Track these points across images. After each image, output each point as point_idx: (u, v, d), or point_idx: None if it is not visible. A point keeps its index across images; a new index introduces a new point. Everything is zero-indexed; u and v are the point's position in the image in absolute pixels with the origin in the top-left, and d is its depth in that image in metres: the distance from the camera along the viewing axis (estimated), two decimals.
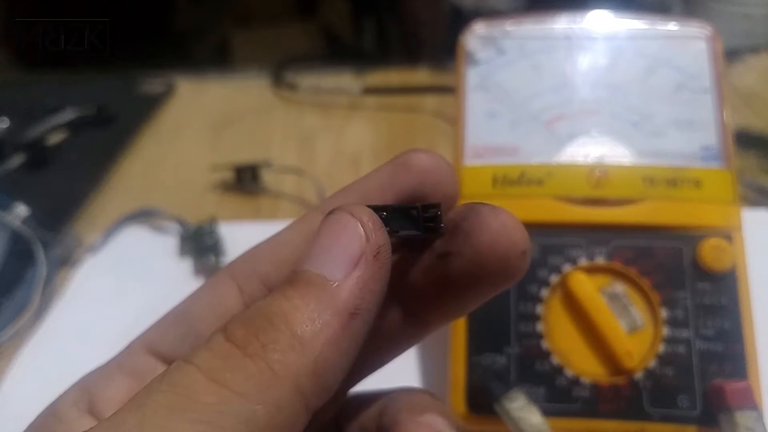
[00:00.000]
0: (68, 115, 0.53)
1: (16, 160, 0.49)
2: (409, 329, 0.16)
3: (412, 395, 0.18)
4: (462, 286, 0.15)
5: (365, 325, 0.13)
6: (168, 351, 0.17)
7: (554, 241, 0.28)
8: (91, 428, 0.11)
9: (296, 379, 0.12)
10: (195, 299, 0.17)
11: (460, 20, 0.34)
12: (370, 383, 0.18)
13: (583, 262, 0.27)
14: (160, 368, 0.16)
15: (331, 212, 0.14)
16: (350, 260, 0.13)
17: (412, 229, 0.15)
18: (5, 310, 0.36)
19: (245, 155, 0.48)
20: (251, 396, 0.11)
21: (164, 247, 0.41)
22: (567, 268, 0.27)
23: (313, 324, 0.12)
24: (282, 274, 0.16)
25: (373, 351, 0.17)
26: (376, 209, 0.14)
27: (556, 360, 0.26)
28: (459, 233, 0.14)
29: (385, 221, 0.14)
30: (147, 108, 0.57)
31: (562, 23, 0.32)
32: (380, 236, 0.14)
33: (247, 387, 0.12)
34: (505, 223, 0.14)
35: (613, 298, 0.27)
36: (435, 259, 0.15)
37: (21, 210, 0.39)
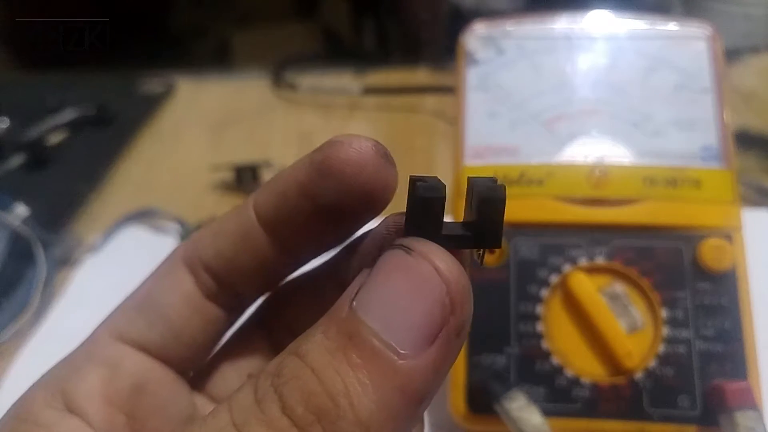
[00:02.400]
0: (68, 115, 0.53)
1: (16, 160, 0.49)
2: (284, 260, 0.16)
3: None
4: (328, 221, 0.14)
5: (428, 404, 0.12)
6: (139, 337, 0.16)
7: (554, 241, 0.28)
8: None
9: None
10: (155, 284, 0.17)
11: (460, 20, 0.34)
12: None
13: (583, 262, 0.27)
14: (134, 355, 0.16)
15: (404, 247, 0.12)
16: (428, 334, 0.11)
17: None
18: (5, 310, 0.36)
19: (245, 155, 0.48)
20: None
21: (164, 247, 0.40)
22: (567, 268, 0.27)
23: (380, 410, 0.11)
24: (221, 264, 0.16)
25: (256, 279, 0.17)
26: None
27: (556, 360, 0.26)
28: (315, 173, 0.14)
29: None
30: (147, 108, 0.57)
31: (562, 23, 0.32)
32: (468, 308, 0.12)
33: None
34: (358, 149, 0.13)
35: (613, 298, 0.27)
36: (301, 199, 0.15)
37: (21, 210, 0.39)
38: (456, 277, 0.12)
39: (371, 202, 0.14)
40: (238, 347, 0.18)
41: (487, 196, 0.12)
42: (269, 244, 0.16)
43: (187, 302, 0.16)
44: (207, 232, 0.17)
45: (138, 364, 0.16)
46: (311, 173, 0.14)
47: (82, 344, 0.17)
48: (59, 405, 0.15)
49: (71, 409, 0.15)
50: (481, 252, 0.13)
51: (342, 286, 0.15)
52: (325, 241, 0.16)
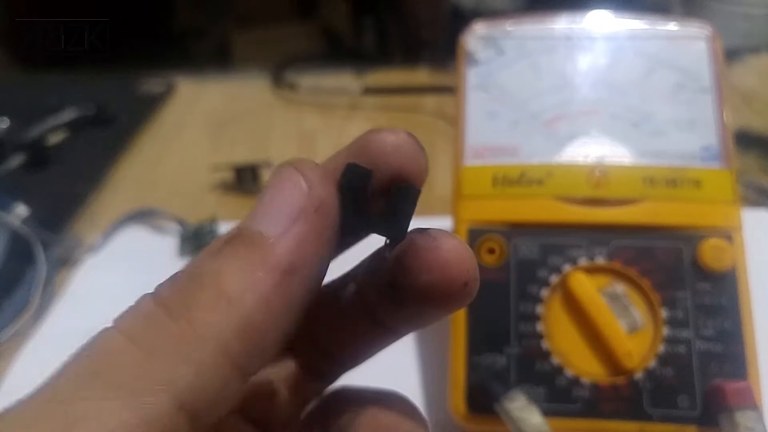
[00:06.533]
0: (68, 115, 0.53)
1: (16, 160, 0.49)
2: (378, 332, 0.16)
3: (387, 412, 0.17)
4: (411, 311, 0.15)
5: (303, 284, 0.12)
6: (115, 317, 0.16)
7: (554, 241, 0.28)
8: (9, 406, 0.11)
9: (221, 339, 0.11)
10: None
11: (460, 20, 0.34)
12: (372, 380, 0.18)
13: (583, 262, 0.27)
14: None
15: (277, 167, 0.13)
16: (289, 215, 0.12)
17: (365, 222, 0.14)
18: (5, 310, 0.36)
19: (245, 155, 0.48)
20: (172, 357, 0.11)
21: (164, 247, 0.41)
22: (567, 268, 0.27)
23: (242, 281, 0.12)
24: None
25: (353, 347, 0.17)
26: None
27: (556, 360, 0.26)
28: (400, 268, 0.14)
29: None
30: (147, 108, 0.57)
31: (562, 23, 0.32)
32: (323, 190, 0.13)
33: (167, 348, 0.11)
34: (443, 258, 0.13)
35: (613, 298, 0.27)
36: (384, 286, 0.15)
37: (21, 210, 0.39)
38: (311, 168, 0.13)
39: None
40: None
41: (406, 187, 0.14)
42: None
43: None
44: None
45: None
46: (354, 158, 0.15)
47: None
48: None
49: None
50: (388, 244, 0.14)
51: (362, 303, 0.16)
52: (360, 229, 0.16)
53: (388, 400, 0.17)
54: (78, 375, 0.11)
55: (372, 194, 0.14)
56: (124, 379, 0.10)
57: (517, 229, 0.28)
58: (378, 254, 0.16)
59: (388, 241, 0.14)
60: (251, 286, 0.12)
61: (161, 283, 0.12)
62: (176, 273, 0.12)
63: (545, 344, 0.26)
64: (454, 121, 0.31)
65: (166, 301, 0.12)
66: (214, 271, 0.12)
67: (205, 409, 0.11)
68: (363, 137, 0.15)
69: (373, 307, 0.16)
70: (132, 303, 0.12)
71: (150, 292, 0.12)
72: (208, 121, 0.57)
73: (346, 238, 0.15)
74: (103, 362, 0.11)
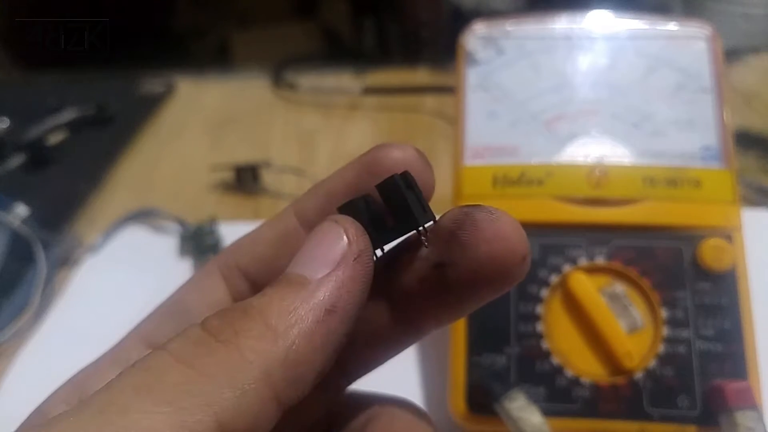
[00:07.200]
0: (68, 115, 0.53)
1: (16, 160, 0.49)
2: (402, 332, 0.16)
3: (395, 418, 0.17)
4: (459, 294, 0.15)
5: (342, 323, 0.13)
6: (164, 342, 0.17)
7: (554, 241, 0.28)
8: (62, 413, 0.11)
9: (266, 366, 0.12)
10: (186, 291, 0.18)
11: (460, 20, 0.34)
12: (371, 380, 0.18)
13: (583, 262, 0.27)
14: None
15: (320, 222, 0.15)
16: (331, 261, 0.13)
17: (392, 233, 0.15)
18: (5, 310, 0.36)
19: (245, 155, 0.48)
20: (218, 378, 0.12)
21: (164, 247, 0.41)
22: (567, 268, 0.27)
23: (288, 316, 0.13)
24: (259, 269, 0.17)
25: (366, 353, 0.17)
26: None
27: (556, 360, 0.26)
28: (455, 243, 0.14)
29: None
30: (147, 108, 0.57)
31: (562, 23, 0.32)
32: (362, 241, 0.14)
33: (214, 369, 0.12)
34: (504, 230, 0.14)
35: (613, 298, 0.27)
36: (431, 268, 0.15)
37: (21, 210, 0.39)
38: (350, 223, 0.14)
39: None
40: None
41: (384, 183, 0.14)
42: None
43: (215, 309, 0.17)
44: (245, 239, 0.18)
45: None
46: (360, 173, 0.16)
47: (112, 347, 0.17)
48: (74, 401, 0.16)
49: None
50: (423, 238, 0.15)
51: (387, 301, 0.16)
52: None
53: (400, 409, 0.17)
54: (131, 388, 0.11)
55: (380, 208, 0.15)
56: (172, 396, 0.11)
57: None
58: (408, 246, 0.16)
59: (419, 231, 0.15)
60: (295, 322, 0.13)
61: (210, 315, 0.13)
62: (223, 309, 0.13)
63: (545, 344, 0.26)
64: (454, 121, 0.31)
65: (215, 329, 0.13)
66: (261, 307, 0.13)
67: None
68: (371, 153, 0.16)
69: (402, 303, 0.16)
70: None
71: (199, 322, 0.13)
72: (208, 121, 0.57)
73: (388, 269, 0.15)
74: (154, 379, 0.12)
